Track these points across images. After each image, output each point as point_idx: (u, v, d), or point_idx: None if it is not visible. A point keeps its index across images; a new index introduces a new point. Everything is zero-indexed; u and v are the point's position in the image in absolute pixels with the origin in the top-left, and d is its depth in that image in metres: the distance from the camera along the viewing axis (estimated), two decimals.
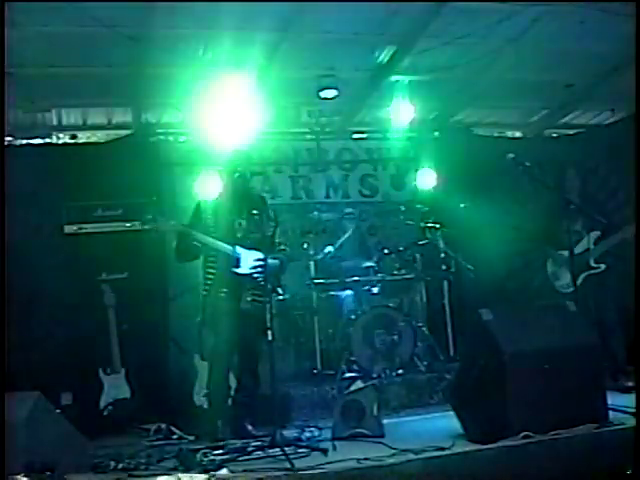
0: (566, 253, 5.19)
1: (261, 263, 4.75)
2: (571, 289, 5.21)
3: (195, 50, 5.90)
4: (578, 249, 5.34)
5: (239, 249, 4.81)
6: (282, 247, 5.08)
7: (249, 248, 4.84)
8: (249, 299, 4.81)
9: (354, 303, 6.30)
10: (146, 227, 4.77)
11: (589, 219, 5.36)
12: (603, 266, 5.37)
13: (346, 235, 6.50)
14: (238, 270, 4.79)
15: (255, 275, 4.79)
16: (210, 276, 4.87)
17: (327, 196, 7.51)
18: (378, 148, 7.72)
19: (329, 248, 6.41)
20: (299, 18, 5.71)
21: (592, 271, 5.36)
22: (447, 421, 4.42)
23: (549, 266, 5.61)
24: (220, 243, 4.76)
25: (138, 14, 5.30)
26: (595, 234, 5.42)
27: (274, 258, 4.78)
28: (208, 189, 5.85)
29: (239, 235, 4.88)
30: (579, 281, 5.25)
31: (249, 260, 4.81)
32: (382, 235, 6.82)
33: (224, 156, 5.10)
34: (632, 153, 6.22)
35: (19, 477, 3.21)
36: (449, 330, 6.64)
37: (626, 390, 4.91)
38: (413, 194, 7.46)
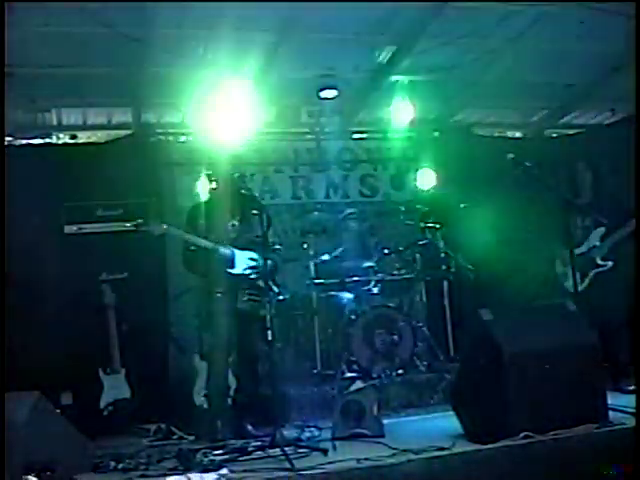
0: (576, 251, 5.14)
1: (255, 263, 4.77)
2: (580, 288, 5.16)
3: (195, 50, 5.90)
4: (584, 247, 5.32)
5: (234, 250, 4.81)
6: (276, 247, 5.08)
7: (243, 248, 4.85)
8: (245, 299, 4.83)
9: (354, 303, 6.29)
10: (140, 230, 4.78)
11: (597, 215, 5.31)
12: (610, 263, 5.32)
13: (341, 248, 6.47)
14: (233, 271, 4.80)
15: (250, 275, 4.81)
16: (206, 277, 4.88)
17: (327, 196, 7.50)
18: (378, 148, 7.72)
19: (326, 256, 6.39)
20: (299, 18, 5.71)
21: (599, 269, 5.33)
22: (447, 421, 4.41)
23: (558, 266, 5.54)
24: (214, 245, 4.76)
25: (138, 14, 5.30)
26: (599, 231, 5.36)
27: (268, 258, 4.77)
28: (207, 189, 5.86)
29: (233, 235, 4.89)
30: (587, 280, 5.22)
31: (243, 260, 4.82)
32: (382, 235, 6.80)
33: (224, 156, 5.10)
34: (632, 153, 6.23)
35: (30, 477, 3.20)
36: (449, 330, 6.64)
37: (627, 391, 4.91)
38: (413, 194, 7.46)
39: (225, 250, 4.80)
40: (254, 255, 4.82)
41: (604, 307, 5.16)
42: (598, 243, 5.36)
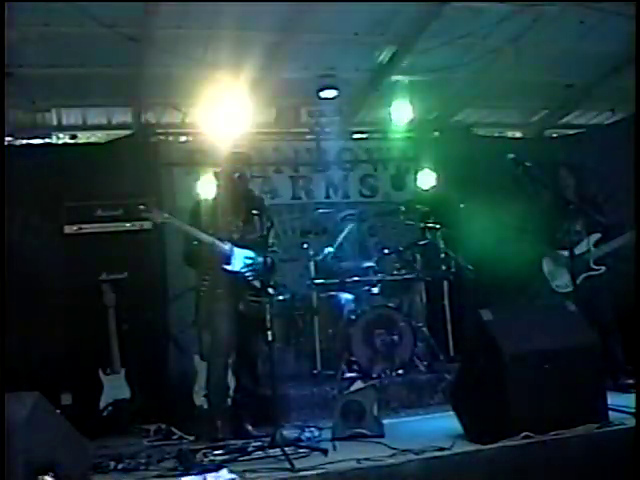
0: (566, 253, 5.19)
1: (252, 262, 4.77)
2: (569, 289, 5.21)
3: (195, 50, 5.90)
4: (578, 250, 5.34)
5: (231, 246, 4.82)
6: (274, 248, 5.06)
7: (243, 247, 4.84)
8: (247, 301, 4.82)
9: (354, 303, 6.29)
10: (141, 216, 4.80)
11: (589, 219, 5.35)
12: (603, 268, 5.35)
13: (344, 233, 6.47)
14: (229, 267, 4.79)
15: (247, 273, 4.80)
16: (206, 276, 4.88)
17: (327, 196, 7.50)
18: (378, 148, 7.72)
19: (329, 249, 6.40)
20: (299, 18, 5.72)
21: (591, 272, 5.36)
22: (447, 421, 4.41)
23: (545, 266, 5.59)
24: (212, 239, 4.75)
25: (138, 14, 5.30)
26: (595, 236, 5.40)
27: (265, 258, 4.76)
28: (208, 189, 5.86)
29: (236, 236, 4.88)
30: (578, 282, 5.24)
31: (241, 258, 4.82)
32: (382, 235, 6.81)
33: (224, 156, 5.10)
34: (632, 153, 6.23)
35: (47, 477, 3.22)
36: (449, 330, 6.64)
37: (627, 389, 4.91)
38: (413, 194, 7.46)
39: (223, 246, 4.79)
40: (252, 254, 4.82)
41: (593, 308, 5.16)
42: (592, 248, 5.38)
